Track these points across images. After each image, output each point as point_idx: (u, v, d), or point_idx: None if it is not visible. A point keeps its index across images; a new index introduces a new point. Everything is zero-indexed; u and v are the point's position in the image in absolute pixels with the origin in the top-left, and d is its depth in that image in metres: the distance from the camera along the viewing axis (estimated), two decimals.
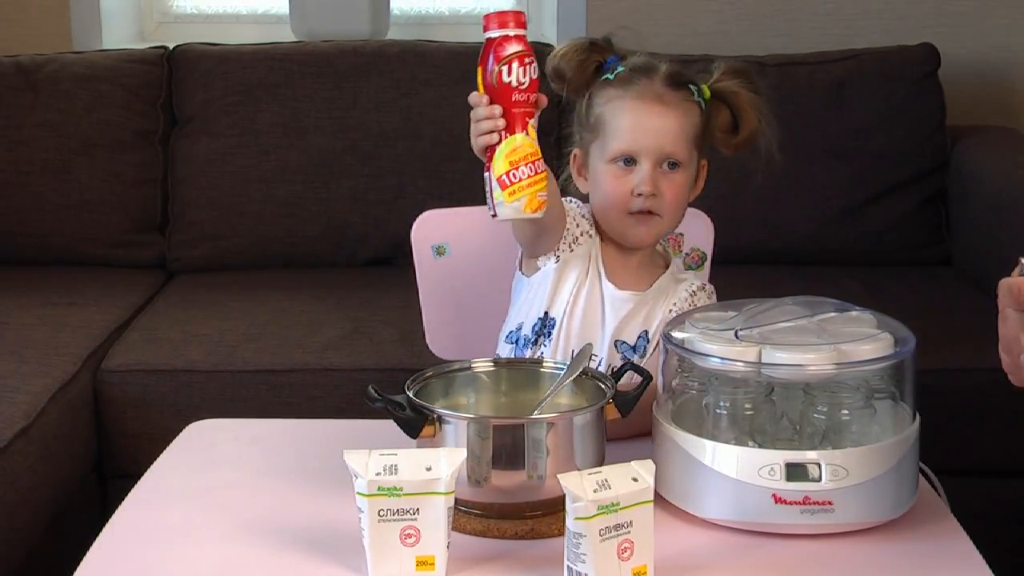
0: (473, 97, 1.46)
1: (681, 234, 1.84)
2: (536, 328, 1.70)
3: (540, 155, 1.44)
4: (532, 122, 1.44)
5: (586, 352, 1.46)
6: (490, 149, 1.44)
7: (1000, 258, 2.75)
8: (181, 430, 1.63)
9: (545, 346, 1.68)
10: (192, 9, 3.47)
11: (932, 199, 2.97)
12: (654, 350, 1.67)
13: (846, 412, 1.38)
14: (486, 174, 1.45)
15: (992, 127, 3.12)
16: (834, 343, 1.35)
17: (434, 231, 1.87)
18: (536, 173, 1.43)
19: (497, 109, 1.43)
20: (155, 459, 1.55)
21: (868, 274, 2.82)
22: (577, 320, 1.68)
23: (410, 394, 1.38)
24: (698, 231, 1.86)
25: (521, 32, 1.43)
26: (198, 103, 2.98)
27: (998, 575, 1.27)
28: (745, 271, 2.61)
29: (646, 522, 1.22)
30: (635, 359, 1.66)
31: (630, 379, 1.44)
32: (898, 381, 1.40)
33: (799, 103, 2.93)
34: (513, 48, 1.41)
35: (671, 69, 1.68)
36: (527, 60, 1.42)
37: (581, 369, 1.44)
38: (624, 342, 1.68)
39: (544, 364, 1.50)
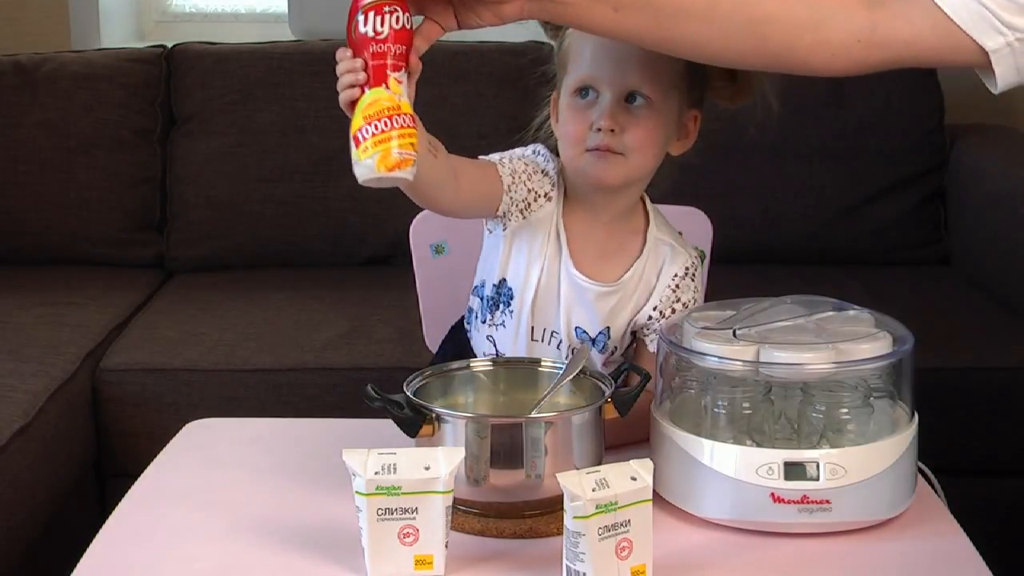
0: (338, 52, 1.35)
1: (680, 233, 1.83)
2: (495, 290, 1.60)
3: (406, 111, 1.32)
4: (398, 76, 1.33)
5: (583, 352, 1.46)
6: (352, 106, 1.34)
7: (999, 257, 2.77)
8: (180, 429, 1.63)
9: (507, 315, 1.58)
10: (191, 8, 3.47)
11: (931, 198, 2.97)
12: (614, 351, 1.59)
13: (844, 411, 1.38)
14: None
15: (991, 126, 3.11)
16: (832, 342, 1.35)
17: (433, 230, 1.86)
18: (394, 127, 1.31)
19: (358, 62, 1.32)
20: (154, 458, 1.54)
21: (866, 273, 2.82)
22: (536, 302, 1.57)
23: (409, 393, 1.38)
24: (697, 230, 1.86)
25: None
26: (197, 102, 2.98)
27: (996, 574, 1.27)
28: (743, 270, 2.60)
29: (645, 521, 1.22)
30: (594, 352, 1.58)
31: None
32: (896, 380, 1.40)
33: (798, 102, 2.93)
34: None
35: None
36: (385, 10, 1.30)
37: (579, 369, 1.44)
38: (583, 330, 1.57)
39: (542, 363, 1.50)
